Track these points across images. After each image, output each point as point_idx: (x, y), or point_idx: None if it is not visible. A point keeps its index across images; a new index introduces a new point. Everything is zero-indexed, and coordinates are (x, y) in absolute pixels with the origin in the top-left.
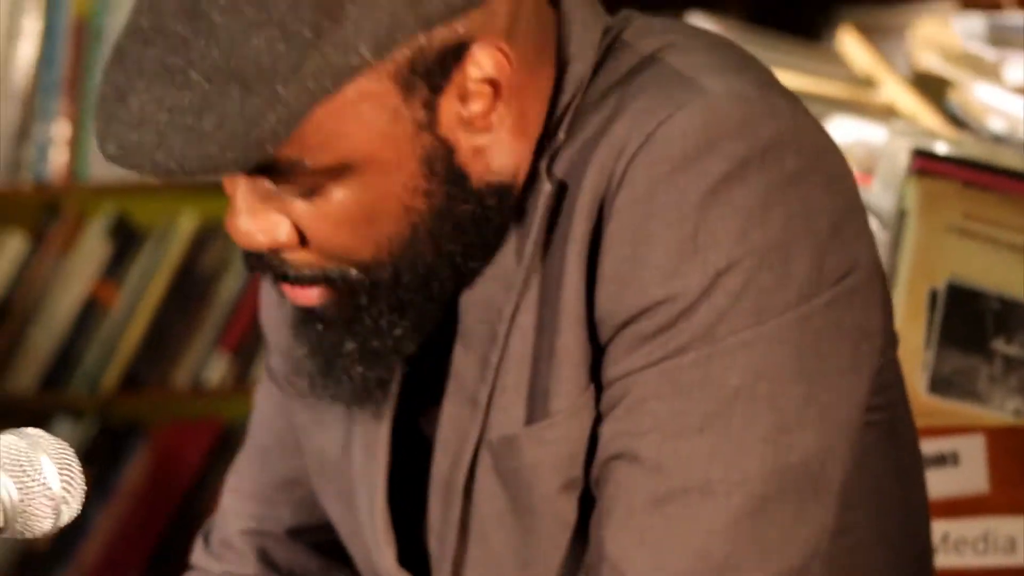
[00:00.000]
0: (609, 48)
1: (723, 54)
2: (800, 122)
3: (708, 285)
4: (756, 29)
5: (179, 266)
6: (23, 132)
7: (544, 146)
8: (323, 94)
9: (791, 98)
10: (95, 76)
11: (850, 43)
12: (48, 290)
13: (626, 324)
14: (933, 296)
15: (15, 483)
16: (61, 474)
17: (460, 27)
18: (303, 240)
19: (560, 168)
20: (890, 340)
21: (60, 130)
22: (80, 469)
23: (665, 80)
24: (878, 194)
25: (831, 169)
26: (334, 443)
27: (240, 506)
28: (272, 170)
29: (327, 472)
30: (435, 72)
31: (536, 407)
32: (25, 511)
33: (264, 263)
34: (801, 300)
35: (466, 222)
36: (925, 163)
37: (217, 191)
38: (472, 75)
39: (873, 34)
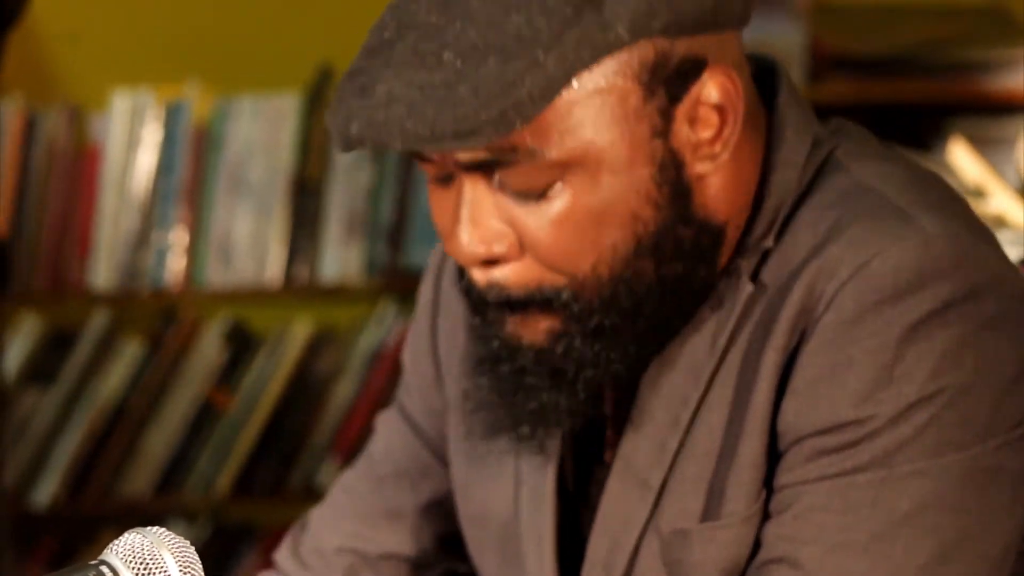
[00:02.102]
0: (823, 165)
1: (934, 191)
2: (1003, 269)
3: (897, 415)
4: None
5: (293, 372)
6: (142, 239)
7: (745, 243)
8: (582, 65)
9: (994, 242)
10: (214, 185)
11: (960, 154)
12: (164, 394)
13: (808, 437)
14: None
15: None
16: (183, 572)
17: (701, 45)
18: (521, 251)
19: (767, 274)
20: None
21: (178, 237)
22: (201, 568)
23: (882, 212)
24: None
25: (1022, 316)
26: (501, 500)
27: (341, 523)
28: (509, 162)
29: (490, 528)
30: (675, 81)
31: (712, 505)
32: None
33: (484, 295)
34: (977, 440)
35: (685, 248)
36: None
37: (331, 298)
38: (704, 98)
39: (983, 145)
